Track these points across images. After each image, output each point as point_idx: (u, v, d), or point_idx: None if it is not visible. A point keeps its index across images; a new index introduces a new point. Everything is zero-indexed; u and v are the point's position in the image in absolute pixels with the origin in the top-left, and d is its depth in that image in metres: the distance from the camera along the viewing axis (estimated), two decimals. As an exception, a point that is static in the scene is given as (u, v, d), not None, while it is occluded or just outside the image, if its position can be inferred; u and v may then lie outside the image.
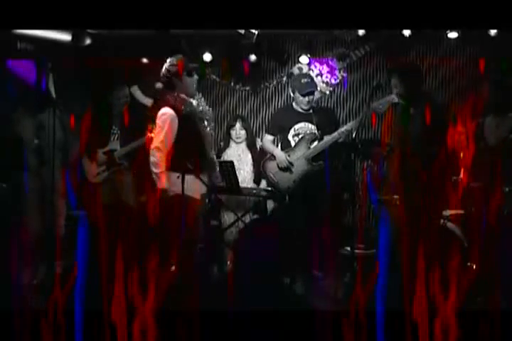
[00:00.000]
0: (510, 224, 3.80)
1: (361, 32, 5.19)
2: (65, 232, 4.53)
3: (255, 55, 5.58)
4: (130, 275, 3.22)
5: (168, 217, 3.87)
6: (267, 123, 5.60)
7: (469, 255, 3.99)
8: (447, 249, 3.75)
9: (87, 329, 2.95)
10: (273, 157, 4.96)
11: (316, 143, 4.83)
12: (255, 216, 5.06)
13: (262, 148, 5.15)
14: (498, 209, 3.83)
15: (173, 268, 3.79)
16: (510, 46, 4.86)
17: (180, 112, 3.99)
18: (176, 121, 3.99)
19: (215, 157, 4.24)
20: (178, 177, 3.84)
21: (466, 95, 5.06)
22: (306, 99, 4.86)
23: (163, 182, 3.90)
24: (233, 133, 5.18)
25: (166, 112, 4.01)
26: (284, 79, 5.90)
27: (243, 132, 5.15)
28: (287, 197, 4.89)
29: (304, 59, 5.64)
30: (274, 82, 5.93)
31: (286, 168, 4.84)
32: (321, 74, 5.69)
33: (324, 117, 4.97)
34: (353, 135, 4.42)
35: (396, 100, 4.15)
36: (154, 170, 3.95)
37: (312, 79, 5.12)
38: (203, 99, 4.24)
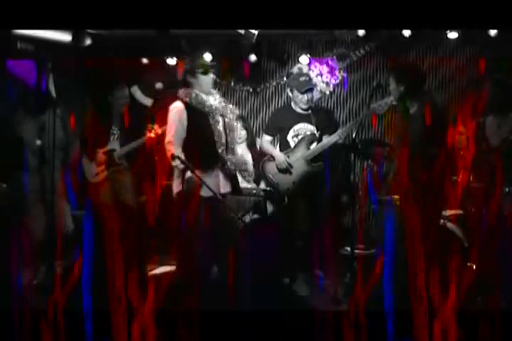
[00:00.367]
0: (510, 224, 3.79)
1: (361, 32, 5.19)
2: (65, 232, 4.52)
3: (255, 55, 5.58)
4: (130, 275, 3.23)
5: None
6: (266, 123, 5.59)
7: (469, 255, 4.00)
8: (447, 249, 3.75)
9: (89, 329, 2.96)
10: (272, 158, 4.94)
11: (315, 144, 4.82)
12: (255, 216, 5.05)
13: (260, 149, 5.14)
14: (499, 210, 3.83)
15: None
16: (510, 46, 4.86)
17: (190, 106, 4.08)
18: (185, 115, 4.09)
19: (224, 154, 4.16)
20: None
21: (467, 95, 5.05)
22: (305, 97, 4.85)
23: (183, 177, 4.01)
24: (234, 133, 5.18)
25: (175, 106, 4.15)
26: (284, 79, 5.90)
27: (243, 132, 5.14)
28: (286, 198, 4.87)
29: (303, 59, 5.63)
30: (274, 82, 5.93)
31: (286, 170, 4.83)
32: (321, 74, 5.68)
33: (324, 118, 4.96)
34: (353, 135, 4.42)
35: (395, 102, 4.15)
36: (173, 163, 4.04)
37: (310, 77, 5.12)
38: (217, 96, 4.26)
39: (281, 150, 4.96)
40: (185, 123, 4.11)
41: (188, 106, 4.12)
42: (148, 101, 6.08)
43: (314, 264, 4.49)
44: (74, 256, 3.73)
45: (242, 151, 5.11)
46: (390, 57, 5.48)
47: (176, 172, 4.15)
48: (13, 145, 4.40)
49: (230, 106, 4.31)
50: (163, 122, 4.91)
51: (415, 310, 3.06)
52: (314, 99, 5.11)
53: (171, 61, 5.74)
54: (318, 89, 5.46)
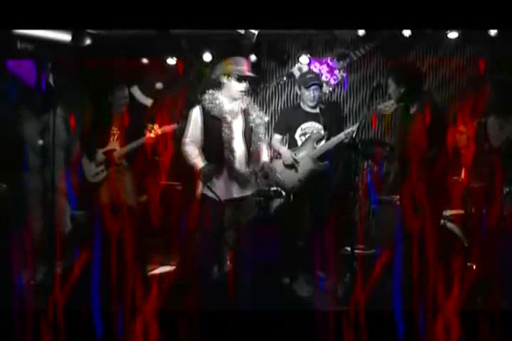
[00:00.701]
0: (510, 224, 3.79)
1: (361, 32, 5.19)
2: (64, 232, 4.53)
3: (255, 55, 5.58)
4: (131, 275, 3.22)
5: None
6: (272, 122, 5.59)
7: (469, 255, 4.00)
8: (447, 249, 3.76)
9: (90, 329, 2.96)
10: (279, 155, 5.01)
11: (322, 142, 4.85)
12: (259, 214, 5.05)
13: (271, 148, 5.17)
14: (499, 210, 3.83)
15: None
16: (510, 46, 4.86)
17: (207, 110, 4.11)
18: (200, 116, 4.13)
19: (231, 157, 4.15)
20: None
21: (468, 95, 5.06)
22: (311, 94, 4.88)
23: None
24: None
25: (194, 108, 4.21)
26: (284, 78, 5.91)
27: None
28: (292, 196, 4.90)
29: (304, 59, 5.64)
30: (274, 82, 5.93)
31: (292, 166, 4.87)
32: (320, 74, 5.69)
33: (332, 117, 4.99)
34: (353, 135, 4.43)
35: (395, 103, 4.15)
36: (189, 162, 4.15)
37: (317, 75, 5.20)
38: (243, 102, 4.20)
39: (289, 148, 5.00)
40: (200, 126, 4.14)
41: (205, 110, 4.14)
42: (148, 101, 6.08)
43: (315, 264, 4.49)
44: (74, 256, 3.73)
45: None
46: (390, 58, 5.49)
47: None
48: (13, 145, 4.40)
49: (256, 112, 4.26)
50: (163, 122, 4.93)
51: (416, 310, 3.06)
52: (320, 97, 5.10)
53: (171, 61, 5.74)
54: (324, 86, 5.46)
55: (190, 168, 4.21)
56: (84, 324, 2.96)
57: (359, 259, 4.09)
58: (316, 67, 5.78)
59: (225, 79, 4.14)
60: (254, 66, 5.64)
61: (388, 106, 4.27)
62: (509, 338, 2.97)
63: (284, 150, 4.98)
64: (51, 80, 4.50)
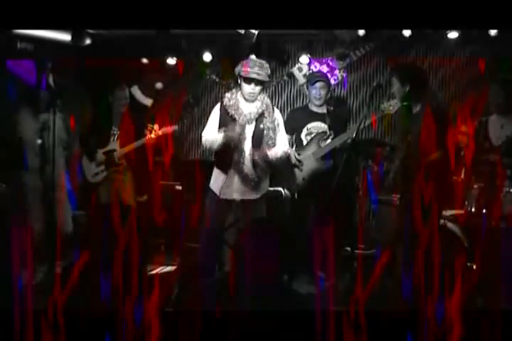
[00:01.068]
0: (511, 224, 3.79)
1: (361, 32, 5.19)
2: (65, 232, 4.52)
3: (255, 55, 5.58)
4: (131, 275, 3.23)
5: None
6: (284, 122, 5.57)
7: (470, 255, 4.00)
8: (447, 249, 3.76)
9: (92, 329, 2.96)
10: None
11: (327, 142, 4.87)
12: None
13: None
14: (500, 210, 3.83)
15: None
16: (510, 46, 4.87)
17: (224, 109, 4.13)
18: (218, 113, 4.15)
19: (238, 158, 4.11)
20: None
21: (468, 95, 5.06)
22: (318, 92, 4.89)
23: None
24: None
25: (216, 106, 4.23)
26: (285, 78, 5.91)
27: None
28: (296, 195, 4.91)
29: (304, 59, 5.64)
30: (274, 82, 5.93)
31: (294, 165, 4.87)
32: (321, 74, 5.69)
33: (338, 118, 5.00)
34: (353, 135, 4.43)
35: (399, 103, 4.15)
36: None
37: (324, 74, 5.23)
38: (259, 104, 4.15)
39: (295, 147, 5.01)
40: (216, 123, 4.15)
41: (223, 108, 4.15)
42: (148, 102, 6.08)
43: (316, 264, 4.49)
44: (74, 256, 3.73)
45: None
46: (390, 57, 5.49)
47: None
48: (13, 145, 4.40)
49: (272, 116, 4.17)
50: (164, 122, 4.93)
51: (417, 310, 3.07)
52: (328, 97, 5.10)
53: (171, 61, 5.75)
54: (332, 83, 5.47)
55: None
56: (84, 324, 2.96)
57: (359, 259, 4.09)
58: (316, 67, 5.78)
59: (238, 80, 4.15)
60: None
61: (392, 105, 4.26)
62: (509, 338, 2.97)
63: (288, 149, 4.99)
64: (51, 80, 4.50)
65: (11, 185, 4.47)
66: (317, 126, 4.97)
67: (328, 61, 5.75)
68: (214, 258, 4.34)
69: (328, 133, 4.89)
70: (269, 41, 5.68)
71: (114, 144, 4.90)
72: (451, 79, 5.47)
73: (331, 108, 5.06)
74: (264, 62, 4.15)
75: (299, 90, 5.95)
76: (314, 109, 5.01)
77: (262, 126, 4.13)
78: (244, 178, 4.13)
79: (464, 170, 4.34)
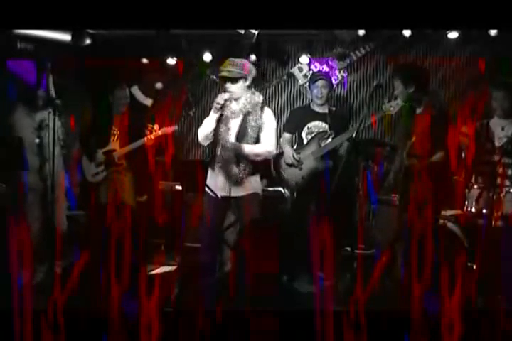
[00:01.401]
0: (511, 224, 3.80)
1: (361, 32, 5.19)
2: (67, 232, 4.52)
3: (255, 55, 5.58)
4: (132, 275, 3.23)
5: None
6: (285, 121, 5.57)
7: (470, 255, 3.99)
8: (447, 249, 3.75)
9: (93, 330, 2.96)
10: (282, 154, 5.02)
11: (327, 141, 4.87)
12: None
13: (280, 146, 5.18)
14: (500, 210, 3.83)
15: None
16: (510, 46, 4.86)
17: (220, 108, 4.11)
18: (215, 115, 4.15)
19: (224, 156, 4.12)
20: None
21: (470, 96, 5.06)
22: (320, 91, 4.91)
23: None
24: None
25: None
26: (285, 78, 5.91)
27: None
28: (295, 193, 4.91)
29: (304, 59, 5.64)
30: (274, 82, 5.93)
31: (293, 165, 4.88)
32: (321, 75, 5.69)
33: (339, 118, 5.01)
34: (353, 135, 4.43)
35: (402, 104, 4.15)
36: None
37: (326, 74, 5.28)
38: (244, 101, 4.14)
39: (296, 146, 5.02)
40: (213, 122, 4.15)
41: (219, 106, 4.14)
42: (148, 102, 6.08)
43: (315, 264, 4.49)
44: (73, 256, 3.73)
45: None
46: (390, 57, 5.49)
47: None
48: (13, 145, 4.39)
49: (257, 115, 4.13)
50: (163, 122, 4.93)
51: (417, 310, 3.07)
52: (329, 97, 5.11)
53: (171, 61, 5.75)
54: (334, 82, 5.48)
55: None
56: (84, 324, 2.96)
57: (359, 259, 4.09)
58: (316, 67, 5.78)
59: (224, 83, 4.15)
60: (254, 66, 5.68)
61: (393, 106, 4.26)
62: (509, 338, 2.97)
63: (287, 149, 4.99)
64: (51, 80, 4.50)
65: (10, 185, 4.47)
66: (318, 125, 4.99)
67: (328, 61, 5.75)
68: (213, 256, 4.33)
69: (329, 132, 4.91)
70: (269, 41, 5.68)
71: (114, 144, 4.90)
72: (451, 79, 5.47)
73: (333, 108, 5.07)
74: (238, 60, 4.13)
75: (299, 90, 5.95)
76: (316, 108, 5.03)
77: (246, 124, 4.14)
78: (228, 175, 4.12)
79: (464, 171, 4.35)
